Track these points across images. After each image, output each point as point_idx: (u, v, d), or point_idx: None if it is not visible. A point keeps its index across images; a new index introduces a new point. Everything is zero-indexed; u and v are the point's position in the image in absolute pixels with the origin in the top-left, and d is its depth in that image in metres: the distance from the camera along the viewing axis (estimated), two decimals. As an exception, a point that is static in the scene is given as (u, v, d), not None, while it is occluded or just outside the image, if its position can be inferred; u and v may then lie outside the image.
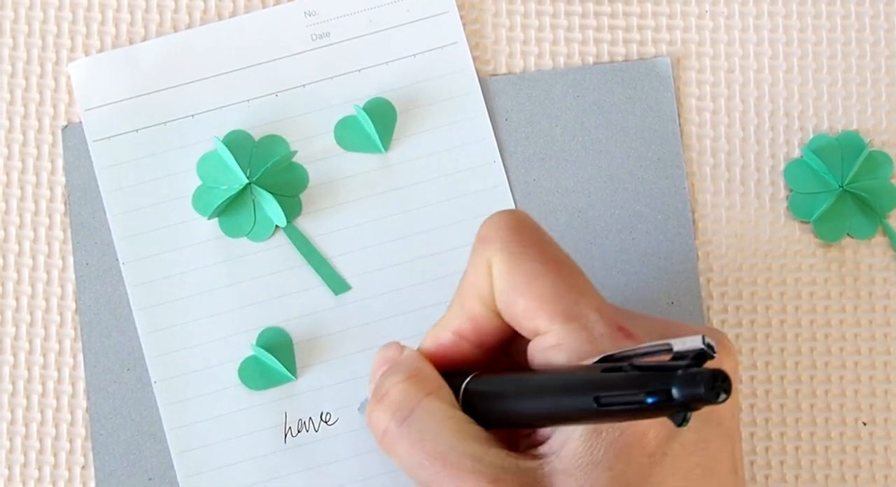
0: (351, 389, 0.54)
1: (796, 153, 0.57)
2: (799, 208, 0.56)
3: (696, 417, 0.40)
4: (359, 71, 0.56)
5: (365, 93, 0.56)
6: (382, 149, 0.56)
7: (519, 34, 0.57)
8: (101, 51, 0.56)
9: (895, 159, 0.56)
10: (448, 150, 0.56)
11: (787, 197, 0.56)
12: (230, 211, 0.55)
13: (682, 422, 0.35)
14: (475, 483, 0.40)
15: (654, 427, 0.40)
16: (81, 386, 0.54)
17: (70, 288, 0.55)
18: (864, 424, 0.54)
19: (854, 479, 0.54)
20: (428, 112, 0.56)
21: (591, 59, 0.57)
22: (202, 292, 0.54)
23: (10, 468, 0.53)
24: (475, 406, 0.42)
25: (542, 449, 0.41)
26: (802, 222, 0.56)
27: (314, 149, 0.56)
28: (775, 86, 0.57)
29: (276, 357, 0.53)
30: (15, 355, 0.54)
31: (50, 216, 0.55)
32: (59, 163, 0.56)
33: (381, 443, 0.43)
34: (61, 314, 0.54)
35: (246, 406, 0.54)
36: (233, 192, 0.54)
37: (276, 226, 0.55)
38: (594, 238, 0.55)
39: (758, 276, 0.56)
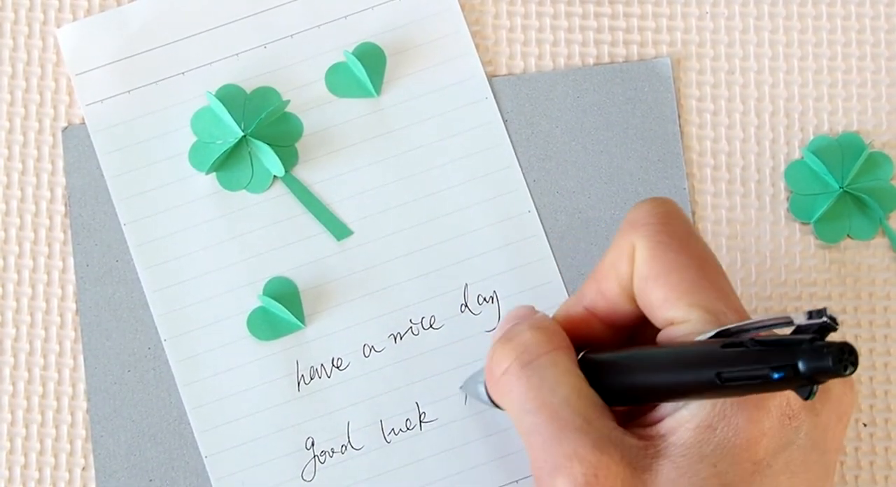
0: (360, 333, 0.54)
1: (796, 154, 0.57)
2: (799, 209, 0.56)
3: (808, 439, 0.40)
4: (345, 17, 0.57)
5: (353, 38, 0.56)
6: (374, 94, 0.56)
7: (519, 35, 0.57)
8: (88, 14, 0.56)
9: (895, 160, 0.56)
10: (439, 90, 0.56)
11: (788, 198, 0.56)
12: (227, 164, 0.55)
13: (808, 395, 0.35)
14: (577, 442, 0.39)
15: (768, 436, 0.40)
16: (82, 387, 0.54)
17: (70, 289, 0.55)
18: (865, 425, 0.54)
19: (854, 480, 0.54)
20: (417, 53, 0.56)
21: (591, 60, 0.57)
22: (205, 247, 0.55)
23: (10, 469, 0.53)
24: (595, 379, 0.42)
25: (651, 431, 0.41)
26: (803, 223, 0.56)
27: (307, 97, 0.56)
28: (776, 87, 0.57)
29: (284, 306, 0.53)
30: (15, 356, 0.54)
31: (50, 217, 0.55)
32: (60, 164, 0.55)
33: (497, 382, 0.43)
34: (62, 315, 0.54)
35: (257, 357, 0.54)
36: (228, 146, 0.55)
37: (274, 176, 0.55)
38: (594, 239, 0.55)
39: (758, 277, 0.56)
